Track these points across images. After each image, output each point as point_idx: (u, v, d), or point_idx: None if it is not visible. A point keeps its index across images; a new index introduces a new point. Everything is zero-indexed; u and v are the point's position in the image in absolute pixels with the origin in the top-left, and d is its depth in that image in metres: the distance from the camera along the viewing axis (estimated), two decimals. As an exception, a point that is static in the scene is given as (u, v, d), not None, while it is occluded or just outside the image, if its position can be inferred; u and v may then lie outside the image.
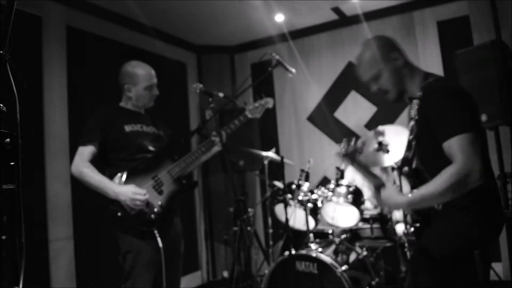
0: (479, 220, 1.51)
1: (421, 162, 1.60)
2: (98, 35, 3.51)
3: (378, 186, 1.63)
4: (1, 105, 0.79)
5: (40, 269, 2.81)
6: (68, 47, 3.20)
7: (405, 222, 2.73)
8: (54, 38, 3.09)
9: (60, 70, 3.12)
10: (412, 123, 1.60)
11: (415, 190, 1.52)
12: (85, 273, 3.07)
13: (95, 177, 2.16)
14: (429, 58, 3.81)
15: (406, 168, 1.63)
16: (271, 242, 3.54)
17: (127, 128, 2.30)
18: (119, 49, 3.68)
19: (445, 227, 1.55)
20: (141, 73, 2.35)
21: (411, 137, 1.61)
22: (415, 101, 1.60)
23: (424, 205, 1.54)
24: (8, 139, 0.79)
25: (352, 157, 1.78)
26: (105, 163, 2.28)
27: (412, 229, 1.67)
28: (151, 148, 2.33)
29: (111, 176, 2.20)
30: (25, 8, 2.86)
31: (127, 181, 2.19)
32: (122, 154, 2.26)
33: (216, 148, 2.41)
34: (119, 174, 2.19)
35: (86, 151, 2.21)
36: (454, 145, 1.41)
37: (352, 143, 1.79)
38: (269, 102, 2.52)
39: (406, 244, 2.74)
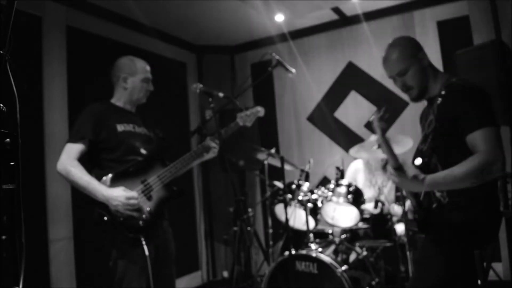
0: (480, 220, 1.59)
1: (436, 156, 1.67)
2: (98, 35, 3.51)
3: (398, 166, 1.65)
4: (1, 105, 0.79)
5: (40, 269, 2.81)
6: (68, 47, 3.20)
7: (406, 220, 2.73)
8: (54, 38, 3.09)
9: (60, 70, 3.12)
10: (430, 117, 1.68)
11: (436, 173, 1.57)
12: (85, 273, 3.07)
13: (83, 177, 2.05)
14: (429, 58, 3.80)
15: (419, 160, 1.70)
16: (271, 242, 3.54)
17: (119, 127, 2.21)
18: (119, 49, 3.68)
19: (448, 223, 1.62)
20: (139, 65, 2.33)
21: (428, 131, 1.70)
22: (437, 99, 1.68)
23: (443, 187, 1.60)
24: (8, 139, 0.79)
25: (383, 125, 1.81)
26: (92, 164, 2.18)
27: (415, 221, 1.71)
28: (142, 150, 2.25)
29: (99, 178, 2.09)
30: (25, 8, 2.86)
31: (114, 184, 2.08)
32: (113, 155, 2.17)
33: (210, 155, 2.39)
34: (104, 178, 2.09)
35: (74, 149, 2.09)
36: (479, 137, 1.51)
37: (383, 111, 1.81)
38: (260, 111, 2.52)
39: (406, 245, 2.73)
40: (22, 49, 2.80)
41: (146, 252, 2.06)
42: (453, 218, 1.61)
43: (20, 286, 0.77)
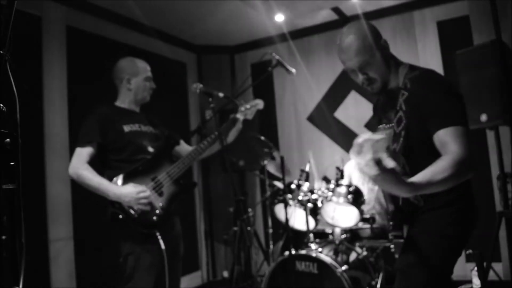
0: (461, 218, 1.53)
1: (403, 156, 1.53)
2: (98, 35, 3.51)
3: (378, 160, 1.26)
4: (1, 105, 0.79)
5: (40, 269, 2.81)
6: (68, 47, 3.20)
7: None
8: (54, 38, 3.09)
9: (60, 70, 3.12)
10: (399, 114, 1.55)
11: (417, 175, 1.35)
12: (85, 273, 3.07)
13: (94, 179, 2.11)
14: (429, 58, 3.81)
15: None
16: (271, 242, 3.54)
17: (126, 128, 2.26)
18: (119, 49, 3.68)
19: (429, 226, 1.55)
20: (140, 65, 2.38)
21: (399, 129, 1.55)
22: (402, 92, 1.55)
23: (424, 192, 1.43)
24: (8, 139, 0.79)
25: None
26: (103, 165, 2.23)
27: (391, 225, 1.63)
28: (150, 148, 2.30)
29: (110, 179, 2.15)
30: (25, 8, 2.86)
31: (125, 184, 2.14)
32: (122, 155, 2.22)
33: (240, 118, 2.45)
34: (115, 179, 2.14)
35: (84, 152, 2.15)
36: (450, 135, 1.38)
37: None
38: (259, 104, 2.54)
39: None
40: (22, 49, 2.80)
41: (163, 246, 2.12)
42: (431, 219, 1.54)
43: (20, 286, 0.77)
